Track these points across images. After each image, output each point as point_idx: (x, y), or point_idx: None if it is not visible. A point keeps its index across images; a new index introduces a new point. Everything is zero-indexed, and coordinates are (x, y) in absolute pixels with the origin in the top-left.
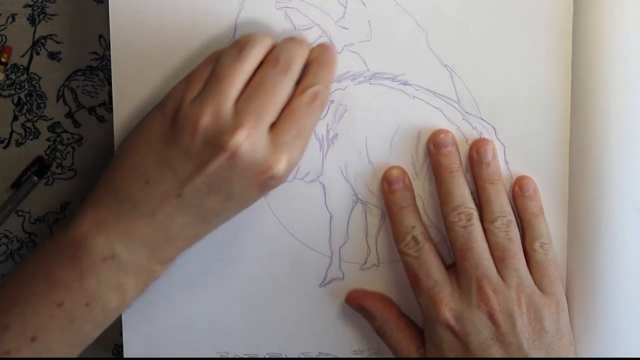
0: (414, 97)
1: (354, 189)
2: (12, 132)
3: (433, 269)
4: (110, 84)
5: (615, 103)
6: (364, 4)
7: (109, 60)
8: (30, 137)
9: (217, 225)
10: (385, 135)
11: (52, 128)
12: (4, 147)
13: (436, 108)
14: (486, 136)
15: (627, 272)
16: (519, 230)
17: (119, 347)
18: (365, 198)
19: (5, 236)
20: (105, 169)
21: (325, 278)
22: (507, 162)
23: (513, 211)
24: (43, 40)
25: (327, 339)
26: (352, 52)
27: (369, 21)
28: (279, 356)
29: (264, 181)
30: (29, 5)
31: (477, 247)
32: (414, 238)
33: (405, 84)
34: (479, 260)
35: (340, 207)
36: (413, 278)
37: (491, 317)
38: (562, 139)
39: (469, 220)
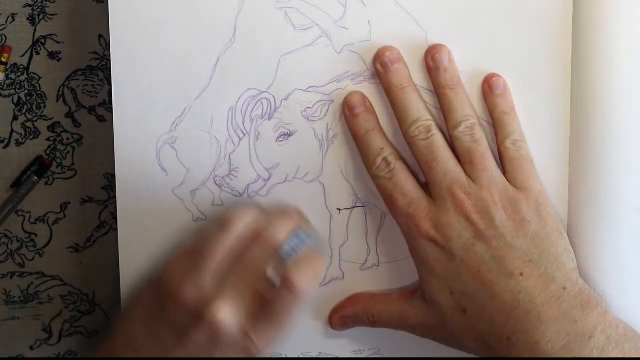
0: None
1: (354, 189)
2: (12, 131)
3: (407, 187)
4: (110, 84)
5: (615, 102)
6: (364, 4)
7: (109, 60)
8: (30, 137)
9: None
10: (386, 134)
11: (52, 128)
12: (4, 147)
13: (436, 108)
14: (486, 136)
15: (628, 271)
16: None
17: None
18: (365, 198)
19: (5, 236)
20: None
21: (325, 278)
22: None
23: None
24: (43, 40)
25: (327, 339)
26: (352, 52)
27: (369, 21)
28: (279, 356)
29: (246, 356)
30: (29, 5)
31: (441, 156)
32: (385, 159)
33: None
34: (445, 168)
35: (341, 207)
36: (389, 199)
37: (468, 218)
38: (562, 139)
39: (428, 132)
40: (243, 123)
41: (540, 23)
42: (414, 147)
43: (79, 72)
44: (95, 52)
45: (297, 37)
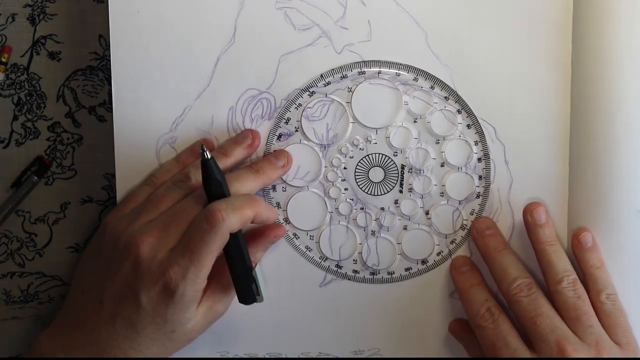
0: (413, 96)
1: (353, 189)
2: (12, 131)
3: (510, 337)
4: (110, 84)
5: (615, 103)
6: (363, 4)
7: (109, 60)
8: (30, 137)
9: (146, 350)
10: (385, 134)
11: (52, 128)
12: (4, 147)
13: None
14: (486, 137)
15: (628, 272)
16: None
17: None
18: (364, 198)
19: (5, 236)
20: None
21: (325, 278)
22: (507, 162)
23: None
24: (43, 40)
25: (327, 339)
26: (352, 52)
27: (368, 21)
28: (279, 356)
29: (162, 291)
30: (29, 5)
31: (547, 311)
32: (489, 310)
33: (405, 83)
34: (552, 324)
35: (341, 208)
36: (491, 348)
37: None
38: (562, 139)
39: (530, 289)
40: (243, 123)
41: (541, 23)
42: (517, 305)
43: (79, 72)
44: (95, 52)
45: (297, 37)
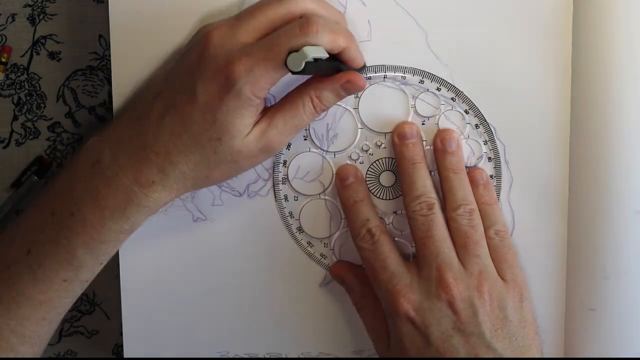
0: (413, 96)
1: None
2: (12, 131)
3: (389, 261)
4: (110, 84)
5: (615, 103)
6: (363, 3)
7: (109, 60)
8: (30, 137)
9: (186, 156)
10: (385, 134)
11: (52, 128)
12: (4, 147)
13: (436, 108)
14: (486, 137)
15: (627, 273)
16: None
17: (119, 347)
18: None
19: None
20: None
21: (324, 278)
22: (507, 162)
23: None
24: (43, 40)
25: (327, 339)
26: None
27: (368, 21)
28: (279, 356)
29: (221, 83)
30: (29, 5)
31: (437, 235)
32: (369, 231)
33: (405, 83)
34: (439, 248)
35: (340, 207)
36: (371, 271)
37: (451, 306)
38: (561, 139)
39: (430, 209)
40: None
41: (541, 23)
42: (413, 221)
43: (79, 72)
44: (95, 52)
45: None
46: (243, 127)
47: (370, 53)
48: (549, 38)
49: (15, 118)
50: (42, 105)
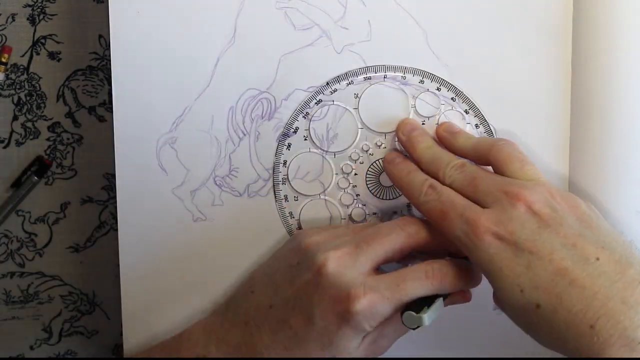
0: (414, 96)
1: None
2: (12, 131)
3: (458, 200)
4: (110, 84)
5: (615, 105)
6: (363, 3)
7: (109, 60)
8: (30, 137)
9: None
10: (385, 134)
11: (52, 128)
12: (4, 147)
13: (436, 108)
14: (486, 136)
15: None
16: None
17: (119, 347)
18: (365, 198)
19: (5, 236)
20: None
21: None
22: None
23: None
24: (43, 40)
25: None
26: (353, 52)
27: (369, 21)
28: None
29: (341, 313)
30: (29, 5)
31: (482, 175)
32: (431, 186)
33: (405, 83)
34: (492, 178)
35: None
36: (440, 216)
37: (530, 208)
38: (562, 139)
39: (462, 166)
40: (243, 123)
41: (541, 24)
42: (455, 183)
43: (79, 72)
44: (95, 52)
45: (297, 37)
46: (355, 345)
47: (370, 53)
48: (549, 38)
49: (15, 118)
50: (42, 105)
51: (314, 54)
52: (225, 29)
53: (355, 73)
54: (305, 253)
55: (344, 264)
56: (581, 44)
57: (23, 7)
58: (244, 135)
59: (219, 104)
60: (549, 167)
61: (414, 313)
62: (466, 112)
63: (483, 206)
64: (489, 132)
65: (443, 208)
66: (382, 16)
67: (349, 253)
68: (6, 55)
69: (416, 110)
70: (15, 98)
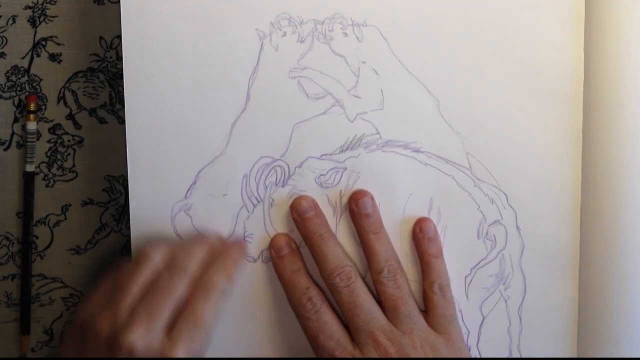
0: (426, 164)
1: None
2: (12, 133)
3: (333, 329)
4: (111, 86)
5: (625, 170)
6: (376, 73)
7: (110, 62)
8: None
9: None
10: (397, 202)
11: (52, 130)
12: (5, 149)
13: (448, 175)
14: (497, 203)
15: None
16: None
17: None
18: None
19: (6, 238)
20: None
21: None
22: (519, 227)
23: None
24: (43, 42)
25: None
26: (365, 120)
27: (381, 90)
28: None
29: None
30: (30, 7)
31: (363, 303)
32: (310, 300)
33: (417, 151)
34: (368, 315)
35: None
36: (314, 340)
37: None
38: (573, 205)
39: (349, 279)
40: (257, 190)
41: (552, 92)
42: (336, 293)
43: (80, 74)
44: (95, 54)
45: (310, 106)
46: None
47: (383, 121)
48: (560, 104)
49: (16, 120)
50: (43, 107)
51: (327, 122)
52: (239, 97)
53: (368, 140)
54: (103, 340)
55: (144, 336)
56: (592, 109)
57: (24, 8)
58: (258, 202)
59: (233, 171)
60: (560, 232)
61: None
62: (478, 179)
63: (356, 341)
64: (501, 198)
65: (318, 335)
66: (394, 85)
67: (146, 324)
68: (32, 104)
69: (427, 177)
70: (16, 100)
